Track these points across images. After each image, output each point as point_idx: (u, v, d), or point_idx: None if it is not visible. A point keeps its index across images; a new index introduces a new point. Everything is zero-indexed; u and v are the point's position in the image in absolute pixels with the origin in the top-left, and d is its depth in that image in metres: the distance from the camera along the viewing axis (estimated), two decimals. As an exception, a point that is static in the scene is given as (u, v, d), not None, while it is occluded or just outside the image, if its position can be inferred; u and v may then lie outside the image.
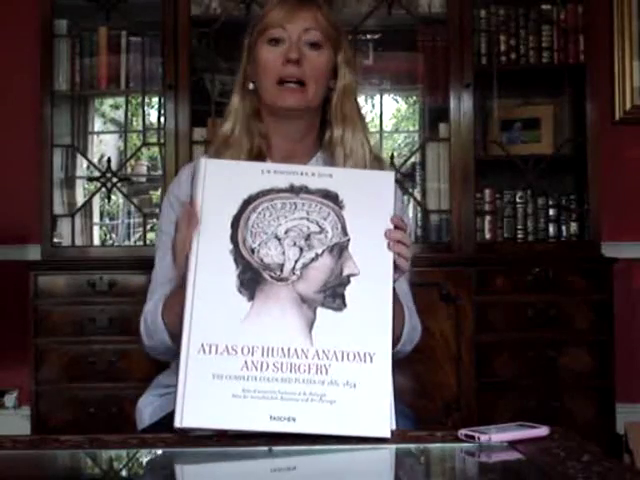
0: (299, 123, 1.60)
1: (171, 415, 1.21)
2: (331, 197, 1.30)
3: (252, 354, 1.21)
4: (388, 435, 1.20)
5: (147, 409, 1.57)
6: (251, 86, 1.59)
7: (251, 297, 1.24)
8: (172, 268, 1.49)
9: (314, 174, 1.32)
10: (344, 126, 1.59)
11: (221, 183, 1.30)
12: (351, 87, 1.61)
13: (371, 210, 1.31)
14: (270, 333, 1.23)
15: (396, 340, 1.48)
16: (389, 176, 1.35)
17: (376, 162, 1.61)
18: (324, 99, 1.60)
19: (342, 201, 1.30)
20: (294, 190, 1.30)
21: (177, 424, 1.18)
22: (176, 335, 1.42)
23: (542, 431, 1.21)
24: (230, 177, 1.31)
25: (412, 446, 1.22)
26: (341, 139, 1.58)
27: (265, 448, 1.15)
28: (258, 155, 1.57)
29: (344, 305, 1.25)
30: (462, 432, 1.19)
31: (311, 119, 1.61)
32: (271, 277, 1.25)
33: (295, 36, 1.54)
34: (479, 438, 1.16)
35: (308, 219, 1.28)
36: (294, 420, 1.19)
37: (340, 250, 1.27)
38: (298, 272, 1.26)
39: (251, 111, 1.60)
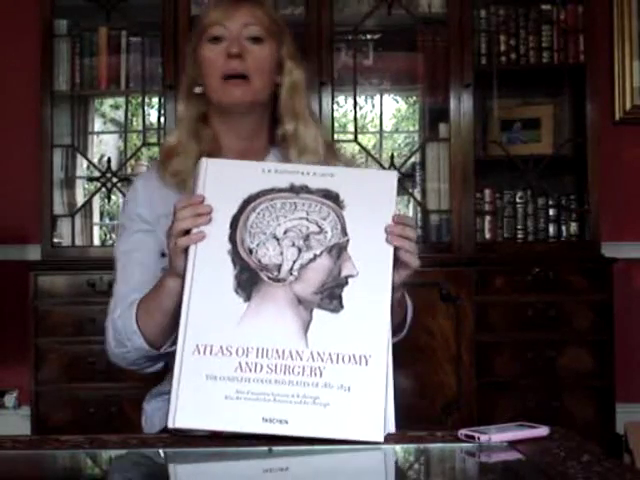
0: (248, 121, 1.58)
1: None
2: (332, 197, 1.27)
3: (247, 355, 1.20)
4: (381, 439, 1.18)
5: (157, 414, 1.55)
6: (199, 89, 1.57)
7: (248, 298, 1.23)
8: (137, 275, 1.49)
9: (315, 173, 1.29)
10: (296, 121, 1.57)
11: (221, 183, 1.28)
12: (299, 82, 1.59)
13: (372, 210, 1.28)
14: (265, 334, 1.21)
15: (403, 326, 1.50)
16: (391, 176, 1.33)
17: (331, 152, 1.60)
18: (273, 96, 1.58)
19: (343, 201, 1.27)
20: (294, 190, 1.27)
21: (170, 424, 1.18)
22: (152, 339, 1.41)
23: (542, 431, 1.21)
24: (230, 177, 1.29)
25: (412, 446, 1.22)
26: (294, 134, 1.57)
27: (265, 448, 1.15)
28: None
29: (341, 307, 1.23)
30: (462, 432, 1.18)
31: (260, 116, 1.59)
32: (268, 278, 1.24)
33: (235, 32, 1.53)
34: (479, 438, 1.16)
35: (307, 219, 1.26)
36: (286, 422, 1.17)
37: (339, 251, 1.25)
38: (295, 273, 1.24)
39: (197, 116, 1.58)
